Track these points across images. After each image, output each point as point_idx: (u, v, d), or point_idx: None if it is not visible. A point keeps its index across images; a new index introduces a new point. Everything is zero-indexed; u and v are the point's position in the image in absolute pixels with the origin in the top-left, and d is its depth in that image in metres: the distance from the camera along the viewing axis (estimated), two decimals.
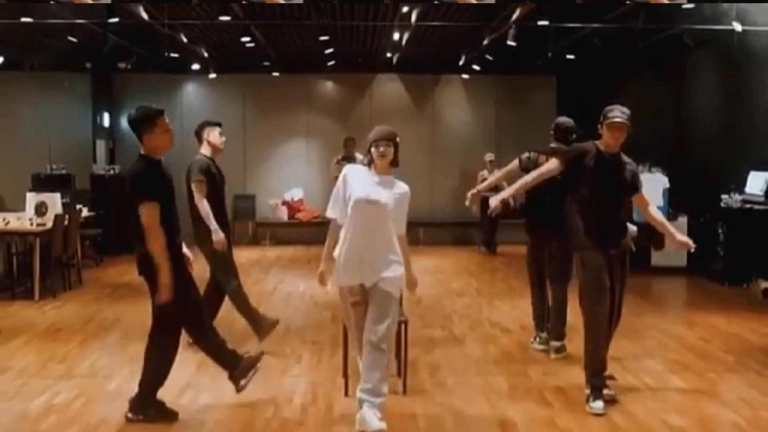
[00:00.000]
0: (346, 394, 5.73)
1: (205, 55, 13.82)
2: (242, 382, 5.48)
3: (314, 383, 6.13)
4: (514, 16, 9.97)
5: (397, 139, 5.04)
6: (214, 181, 6.85)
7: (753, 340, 7.66)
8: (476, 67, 14.68)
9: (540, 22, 10.21)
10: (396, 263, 4.98)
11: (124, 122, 15.82)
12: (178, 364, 6.63)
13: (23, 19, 8.76)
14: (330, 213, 5.09)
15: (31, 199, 10.17)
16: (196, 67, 14.61)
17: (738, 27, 9.61)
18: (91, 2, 8.49)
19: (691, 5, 9.34)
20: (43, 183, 12.75)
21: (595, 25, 10.91)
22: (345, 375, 5.84)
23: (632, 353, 7.11)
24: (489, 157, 14.61)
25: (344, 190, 4.98)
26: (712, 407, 5.60)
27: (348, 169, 5.08)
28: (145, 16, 9.80)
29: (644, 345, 7.49)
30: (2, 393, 5.85)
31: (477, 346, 7.34)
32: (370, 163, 5.04)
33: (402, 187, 5.07)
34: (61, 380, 6.20)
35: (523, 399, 5.74)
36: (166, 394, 5.79)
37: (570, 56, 13.23)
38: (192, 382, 6.17)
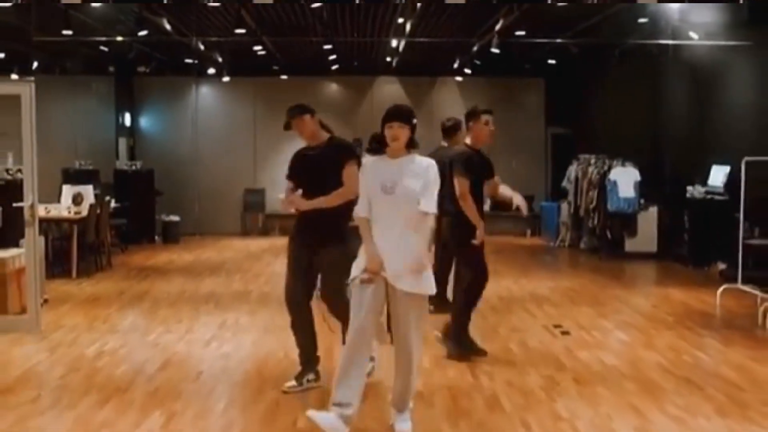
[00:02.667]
0: (343, 342, 6.91)
1: (220, 60, 15.06)
2: None
3: (318, 335, 7.35)
4: (497, 27, 11.16)
5: (414, 120, 4.67)
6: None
7: (696, 306, 8.88)
8: (468, 71, 15.87)
9: (517, 32, 11.45)
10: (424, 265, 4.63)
11: (143, 121, 17.14)
12: (204, 325, 7.92)
13: (64, 32, 10.00)
14: (361, 212, 4.70)
15: (68, 190, 11.42)
16: (211, 71, 15.85)
17: (695, 36, 10.77)
18: None
19: (645, 19, 10.55)
20: (72, 177, 13.96)
21: (559, 41, 12.16)
22: (344, 331, 7.05)
23: (589, 316, 8.34)
24: None
25: (365, 182, 4.71)
26: (644, 353, 6.82)
27: (365, 163, 4.89)
28: (168, 27, 11.02)
29: (601, 310, 8.70)
30: (61, 343, 7.10)
31: None
32: (377, 148, 4.78)
33: (424, 161, 4.68)
34: (107, 334, 7.46)
35: (490, 347, 6.91)
36: (194, 346, 7.06)
37: (552, 61, 14.43)
38: (216, 335, 7.42)
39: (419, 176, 4.59)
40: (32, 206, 7.44)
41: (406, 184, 4.55)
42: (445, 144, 8.45)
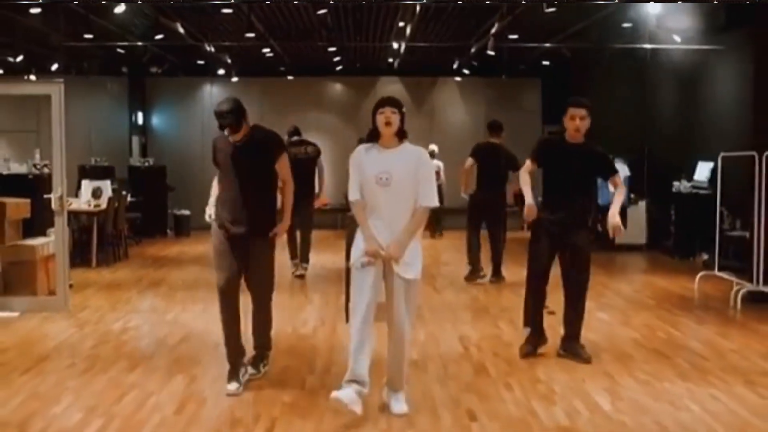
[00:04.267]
0: (346, 321, 7.57)
1: (229, 61, 15.73)
2: None
3: (322, 315, 8.05)
4: (493, 30, 11.81)
5: (404, 108, 4.86)
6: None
7: (676, 291, 9.53)
8: (466, 71, 16.52)
9: (511, 36, 12.11)
10: (415, 249, 4.87)
11: (155, 120, 17.84)
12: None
13: (86, 36, 10.68)
14: (351, 195, 4.88)
15: (87, 185, 12.09)
16: (220, 72, 16.53)
17: (677, 40, 11.41)
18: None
19: (629, 24, 11.22)
20: (88, 173, 14.62)
21: (547, 45, 12.84)
22: (346, 310, 7.70)
23: None
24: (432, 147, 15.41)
25: (358, 170, 4.85)
26: (621, 329, 7.48)
27: (357, 150, 4.94)
28: (181, 31, 11.70)
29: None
30: (88, 320, 7.78)
31: (452, 295, 9.26)
32: (372, 137, 4.88)
33: (415, 152, 4.82)
34: (130, 313, 8.15)
35: (480, 325, 7.63)
36: (210, 322, 7.71)
37: (546, 62, 15.09)
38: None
39: (412, 167, 4.75)
40: (61, 197, 8.10)
41: (400, 177, 4.73)
42: (494, 141, 10.34)
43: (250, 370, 5.80)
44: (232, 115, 5.39)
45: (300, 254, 10.61)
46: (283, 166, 5.70)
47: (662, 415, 5.06)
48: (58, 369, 6.08)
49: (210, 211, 5.83)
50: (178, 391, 5.53)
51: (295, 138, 10.89)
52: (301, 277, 10.40)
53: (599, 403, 5.27)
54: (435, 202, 4.82)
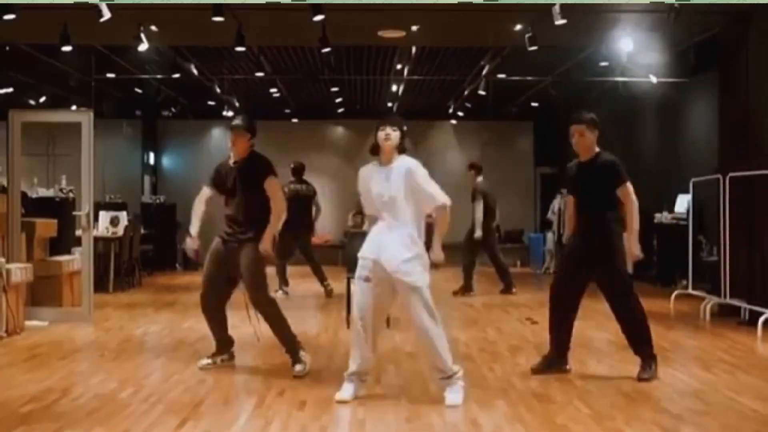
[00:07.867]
0: (347, 327, 8.31)
1: (237, 104, 16.69)
2: None
3: (326, 322, 8.80)
4: (484, 71, 12.76)
5: (404, 127, 5.20)
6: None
7: (653, 309, 9.85)
8: (461, 114, 17.49)
9: (499, 76, 13.07)
10: (413, 258, 5.13)
11: (165, 160, 18.76)
12: (230, 317, 9.29)
13: (108, 75, 11.62)
14: (365, 210, 5.52)
15: (105, 214, 12.90)
16: (230, 114, 17.48)
17: (653, 79, 12.31)
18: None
19: (606, 63, 12.16)
20: (103, 209, 15.42)
21: (530, 78, 13.80)
22: (347, 318, 8.47)
23: None
24: None
25: (364, 190, 5.32)
26: (596, 332, 8.21)
27: (362, 170, 5.39)
28: (195, 71, 12.64)
29: None
30: (112, 328, 8.54)
31: (445, 310, 9.94)
32: (373, 151, 5.29)
33: (404, 165, 5.15)
34: (149, 323, 8.90)
35: (470, 331, 8.37)
36: (234, 317, 8.45)
37: (535, 104, 16.05)
38: (243, 319, 8.80)
39: (403, 182, 5.12)
40: (88, 213, 8.91)
41: (394, 194, 5.11)
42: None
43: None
44: (243, 123, 6.40)
45: (319, 278, 11.94)
46: (270, 186, 6.23)
47: (623, 384, 5.81)
48: (90, 357, 6.84)
49: None
50: (198, 371, 6.26)
51: (295, 178, 11.97)
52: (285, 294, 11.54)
53: (570, 378, 6.01)
54: (443, 199, 5.14)
